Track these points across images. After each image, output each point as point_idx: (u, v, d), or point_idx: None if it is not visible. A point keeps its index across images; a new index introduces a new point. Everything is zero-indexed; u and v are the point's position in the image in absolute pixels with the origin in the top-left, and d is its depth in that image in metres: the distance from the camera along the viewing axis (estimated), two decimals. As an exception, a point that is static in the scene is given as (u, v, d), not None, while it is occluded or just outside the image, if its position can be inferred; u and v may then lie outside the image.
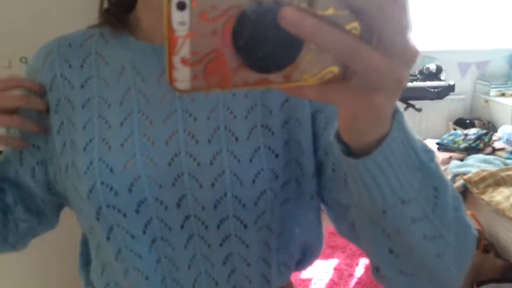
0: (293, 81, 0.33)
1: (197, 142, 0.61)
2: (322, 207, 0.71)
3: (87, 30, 0.70)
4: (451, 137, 2.91)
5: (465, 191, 2.35)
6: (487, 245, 2.18)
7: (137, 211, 0.61)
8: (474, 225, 0.54)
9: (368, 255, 0.57)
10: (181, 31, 0.29)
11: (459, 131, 3.04)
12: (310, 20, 0.30)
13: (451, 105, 3.76)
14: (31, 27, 0.94)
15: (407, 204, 0.43)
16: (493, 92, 3.66)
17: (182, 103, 0.62)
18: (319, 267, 2.67)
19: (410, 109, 3.27)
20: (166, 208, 0.62)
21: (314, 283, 2.54)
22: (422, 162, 0.44)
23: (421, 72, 3.52)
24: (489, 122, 3.59)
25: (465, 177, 2.37)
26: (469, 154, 2.71)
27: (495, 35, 3.73)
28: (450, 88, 3.32)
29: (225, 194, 0.60)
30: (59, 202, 0.75)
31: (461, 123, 3.64)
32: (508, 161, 2.60)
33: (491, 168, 2.41)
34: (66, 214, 0.79)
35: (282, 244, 0.68)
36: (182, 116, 0.62)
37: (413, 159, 0.42)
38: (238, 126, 0.61)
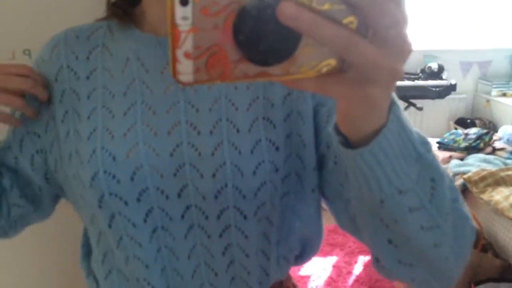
0: (292, 74, 0.34)
1: (199, 133, 0.62)
2: (324, 206, 0.72)
3: (94, 23, 0.72)
4: (452, 136, 2.91)
5: (464, 190, 2.35)
6: (485, 245, 2.18)
7: (138, 200, 0.62)
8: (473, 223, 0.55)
9: (368, 247, 0.58)
10: (184, 25, 0.30)
11: (460, 130, 3.03)
12: (308, 14, 0.31)
13: (452, 105, 3.76)
14: (35, 20, 0.95)
15: (404, 194, 0.44)
16: (494, 92, 3.66)
17: (185, 94, 0.63)
18: (317, 264, 2.67)
19: (412, 108, 3.27)
20: (167, 197, 0.62)
21: (313, 280, 2.55)
22: (419, 153, 0.44)
23: (423, 71, 3.52)
24: (490, 122, 3.60)
25: (465, 176, 2.37)
26: (469, 154, 2.71)
27: (498, 35, 3.73)
28: (451, 88, 3.32)
29: (226, 185, 0.61)
30: (56, 193, 0.76)
31: (462, 122, 3.64)
32: (508, 161, 2.60)
33: (491, 167, 2.41)
34: (67, 208, 0.80)
35: (282, 237, 0.69)
36: (184, 107, 0.63)
37: (410, 150, 0.43)
38: (240, 118, 0.62)
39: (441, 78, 3.42)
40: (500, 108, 3.57)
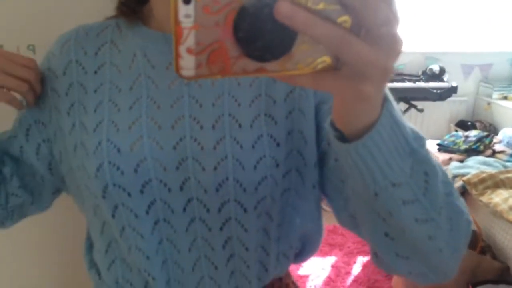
0: (289, 70, 0.36)
1: (201, 127, 0.63)
2: (324, 206, 0.73)
3: (104, 21, 0.73)
4: (452, 139, 2.92)
5: (464, 193, 2.36)
6: (484, 247, 2.19)
7: (141, 192, 0.63)
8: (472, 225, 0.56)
9: (367, 241, 0.59)
10: (186, 23, 0.32)
11: (460, 132, 3.04)
12: (303, 13, 0.32)
13: (453, 107, 3.76)
14: (39, 16, 0.95)
15: (398, 187, 0.46)
16: (495, 95, 3.66)
17: (189, 89, 0.65)
18: (316, 264, 2.68)
19: (412, 110, 3.28)
20: (169, 190, 0.64)
21: (311, 280, 2.56)
22: (413, 148, 0.46)
23: (424, 73, 3.52)
24: (490, 125, 3.60)
25: (464, 178, 2.38)
26: (469, 156, 2.72)
27: (500, 38, 3.73)
28: (452, 90, 3.32)
29: (227, 178, 0.62)
30: (56, 186, 0.77)
31: (463, 125, 3.65)
32: (508, 163, 2.61)
33: (490, 170, 2.42)
34: (68, 202, 0.81)
35: (282, 234, 0.70)
36: (188, 102, 0.64)
37: (403, 144, 0.45)
38: (242, 114, 0.64)
39: (442, 80, 3.42)
40: (501, 111, 3.58)
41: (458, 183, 2.41)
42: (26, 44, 0.96)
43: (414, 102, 3.27)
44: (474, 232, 2.17)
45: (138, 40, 0.68)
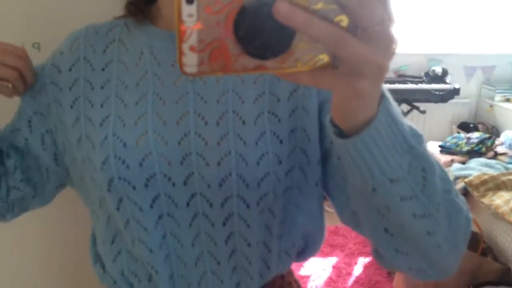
0: (288, 67, 0.37)
1: (206, 123, 0.64)
2: (325, 207, 0.73)
3: (113, 20, 0.75)
4: (454, 140, 2.92)
5: (465, 194, 2.36)
6: (485, 248, 2.19)
7: (146, 185, 0.64)
8: (473, 227, 0.57)
9: (368, 238, 0.60)
10: (189, 22, 0.34)
11: (462, 134, 3.04)
12: (300, 13, 0.34)
13: (455, 109, 3.76)
14: (45, 13, 0.96)
15: (396, 183, 0.46)
16: (498, 97, 3.66)
17: (195, 86, 0.66)
18: (317, 265, 2.68)
19: (414, 111, 3.28)
20: (173, 185, 0.65)
21: (313, 280, 2.56)
22: (410, 144, 0.47)
23: (426, 74, 3.52)
24: (493, 127, 3.60)
25: (466, 180, 2.38)
26: (471, 158, 2.71)
27: (502, 40, 3.73)
28: (455, 92, 3.32)
29: (230, 174, 0.63)
30: (61, 178, 0.78)
31: (465, 127, 3.64)
32: (510, 165, 2.61)
33: (492, 172, 2.42)
34: (72, 197, 0.81)
35: (285, 232, 0.71)
36: (193, 99, 0.65)
37: (400, 141, 0.46)
38: (246, 111, 0.65)
39: (444, 82, 3.42)
40: (503, 113, 3.57)
41: (459, 185, 2.41)
42: (31, 42, 0.97)
43: (416, 104, 3.27)
44: (475, 234, 2.17)
45: (146, 38, 0.69)
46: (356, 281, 2.56)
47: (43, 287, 1.15)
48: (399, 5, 3.47)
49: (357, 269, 2.66)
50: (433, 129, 3.72)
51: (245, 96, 0.65)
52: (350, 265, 2.71)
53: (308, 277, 2.58)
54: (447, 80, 3.44)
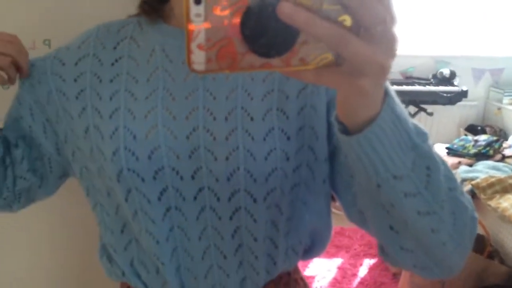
0: (292, 66, 0.39)
1: (215, 118, 0.65)
2: (332, 208, 0.74)
3: (126, 19, 0.76)
4: (461, 143, 2.90)
5: (472, 197, 2.35)
6: (492, 251, 2.18)
7: (154, 178, 0.65)
8: (479, 230, 0.57)
9: (374, 236, 0.61)
10: (197, 21, 0.36)
11: (470, 136, 3.03)
12: (304, 13, 0.35)
13: (463, 111, 3.74)
14: (55, 10, 0.97)
15: (400, 180, 0.47)
16: (506, 100, 3.63)
17: (204, 82, 0.67)
18: (322, 265, 2.68)
19: (422, 113, 3.27)
20: (181, 178, 0.66)
21: (317, 281, 2.56)
22: (415, 142, 0.47)
23: (434, 76, 3.51)
24: (500, 130, 3.57)
25: (473, 182, 2.36)
26: (478, 160, 2.70)
27: (511, 43, 3.71)
28: (462, 94, 3.30)
29: (238, 168, 0.64)
30: (64, 168, 0.79)
31: (473, 129, 3.62)
32: (517, 168, 2.59)
33: (499, 174, 2.41)
34: (75, 193, 0.82)
35: (292, 228, 0.71)
36: (203, 94, 0.66)
37: (405, 139, 0.46)
38: (255, 107, 0.66)
39: (452, 84, 3.41)
40: (511, 116, 3.55)
41: (467, 187, 2.40)
42: (42, 39, 0.98)
43: (423, 106, 3.26)
44: (482, 237, 2.17)
45: (158, 36, 0.70)
46: (361, 282, 2.55)
47: (48, 282, 1.16)
48: (407, 7, 3.46)
49: (362, 271, 2.66)
50: (440, 131, 3.70)
51: (254, 93, 0.66)
52: (355, 266, 2.71)
53: (313, 277, 2.58)
54: (455, 83, 3.43)
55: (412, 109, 3.29)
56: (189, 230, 0.69)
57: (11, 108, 0.77)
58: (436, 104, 3.32)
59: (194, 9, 0.35)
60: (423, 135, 0.49)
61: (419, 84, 3.39)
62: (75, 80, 0.71)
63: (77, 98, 0.71)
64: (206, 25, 0.36)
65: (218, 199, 0.66)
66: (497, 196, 2.26)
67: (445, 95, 3.28)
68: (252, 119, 0.65)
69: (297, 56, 0.38)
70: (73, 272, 1.16)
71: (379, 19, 0.37)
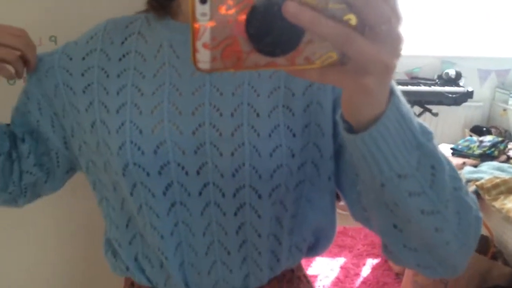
0: (297, 64, 0.39)
1: (221, 114, 0.65)
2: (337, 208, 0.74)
3: (134, 15, 0.76)
4: (466, 143, 2.89)
5: (476, 197, 2.33)
6: (495, 252, 2.17)
7: (159, 173, 0.66)
8: (483, 230, 0.57)
9: (377, 234, 0.61)
10: (203, 20, 0.36)
11: (475, 137, 3.02)
12: (309, 12, 0.36)
13: (468, 112, 3.73)
14: (62, 7, 0.97)
15: (404, 179, 0.47)
16: (511, 101, 3.61)
17: (211, 78, 0.67)
18: (325, 265, 2.68)
19: (427, 114, 3.26)
20: (187, 173, 0.66)
21: (320, 280, 2.56)
22: (420, 142, 0.47)
23: (440, 77, 3.50)
24: (506, 131, 3.56)
25: (478, 183, 2.36)
26: (483, 161, 2.69)
27: (518, 44, 3.69)
28: (468, 95, 3.29)
29: (243, 164, 0.64)
30: (71, 163, 0.79)
31: (478, 130, 3.61)
32: (522, 170, 2.58)
33: (504, 175, 2.40)
34: (80, 190, 0.82)
35: (296, 226, 0.72)
36: (209, 90, 0.66)
37: (409, 138, 0.46)
38: (261, 104, 0.66)
39: (458, 85, 3.40)
40: (517, 118, 3.53)
41: (471, 188, 2.40)
42: (48, 35, 0.98)
43: (429, 106, 3.25)
44: (486, 237, 2.16)
45: (166, 32, 0.71)
46: (364, 282, 2.55)
47: (54, 276, 1.17)
48: (414, 7, 3.45)
49: (365, 270, 2.66)
50: (445, 131, 3.69)
51: (260, 90, 0.66)
52: (358, 266, 2.71)
53: (315, 277, 2.58)
54: (461, 83, 3.41)
55: (417, 109, 3.28)
56: (193, 225, 0.69)
57: (18, 103, 0.77)
58: (441, 104, 3.31)
59: (200, 8, 0.36)
60: (428, 134, 0.49)
61: (425, 84, 3.38)
62: (82, 75, 0.72)
63: (84, 92, 0.71)
64: (212, 24, 0.36)
65: (223, 195, 0.66)
66: (502, 197, 2.25)
67: (450, 95, 3.27)
68: (258, 115, 0.65)
69: (302, 55, 0.38)
70: (78, 267, 1.17)
71: (384, 18, 0.37)
